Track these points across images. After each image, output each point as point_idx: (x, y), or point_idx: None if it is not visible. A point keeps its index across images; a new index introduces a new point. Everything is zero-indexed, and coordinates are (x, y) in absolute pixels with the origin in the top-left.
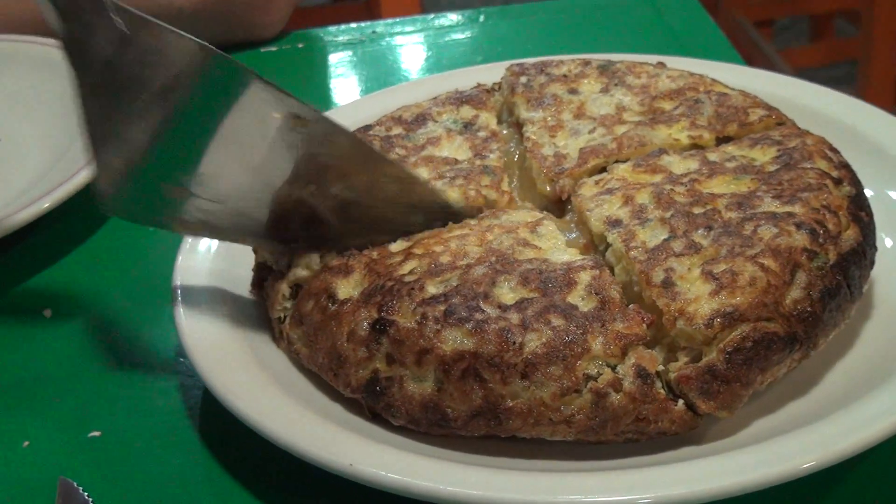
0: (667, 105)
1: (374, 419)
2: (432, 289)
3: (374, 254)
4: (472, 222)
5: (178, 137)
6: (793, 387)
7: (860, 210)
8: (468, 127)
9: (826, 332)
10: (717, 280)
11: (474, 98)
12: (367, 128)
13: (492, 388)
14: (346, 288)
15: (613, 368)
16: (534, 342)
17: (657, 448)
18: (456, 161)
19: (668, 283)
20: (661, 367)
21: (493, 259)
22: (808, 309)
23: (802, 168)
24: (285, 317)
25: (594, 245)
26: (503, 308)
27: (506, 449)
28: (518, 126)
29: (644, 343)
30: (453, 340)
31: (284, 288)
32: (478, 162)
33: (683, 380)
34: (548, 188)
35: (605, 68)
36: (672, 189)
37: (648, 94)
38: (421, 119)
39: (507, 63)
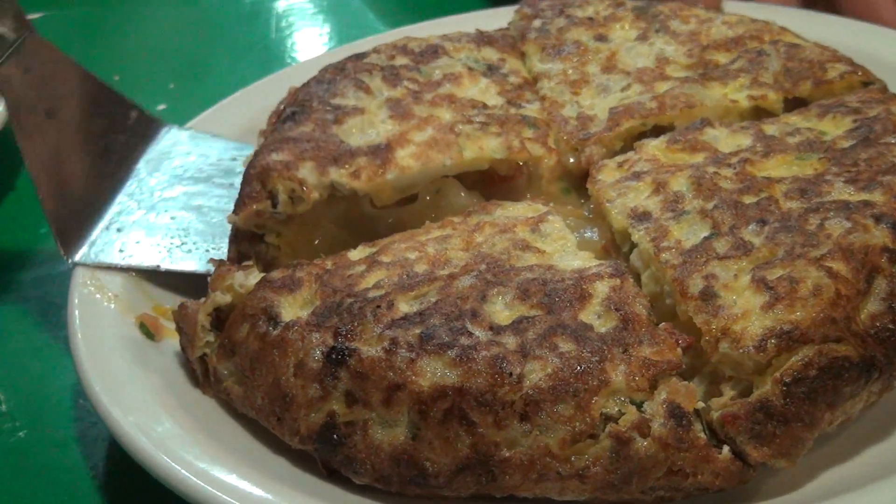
0: (722, 57)
1: (331, 476)
2: (404, 306)
3: (329, 263)
4: (457, 220)
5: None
6: (871, 427)
7: None
8: (493, 70)
9: None
10: (772, 290)
11: (499, 40)
12: (361, 56)
13: (482, 433)
14: (292, 307)
15: (639, 406)
16: (536, 373)
17: None
18: (485, 105)
19: (708, 295)
20: (700, 405)
21: (483, 267)
22: (891, 326)
23: (885, 144)
24: (211, 353)
25: (615, 245)
26: (496, 330)
27: None
28: (530, 82)
29: (679, 373)
30: (432, 373)
31: (202, 318)
32: (513, 110)
33: (729, 420)
34: (570, 159)
35: (643, 10)
36: (717, 172)
37: (698, 43)
38: (432, 51)
39: (514, 7)
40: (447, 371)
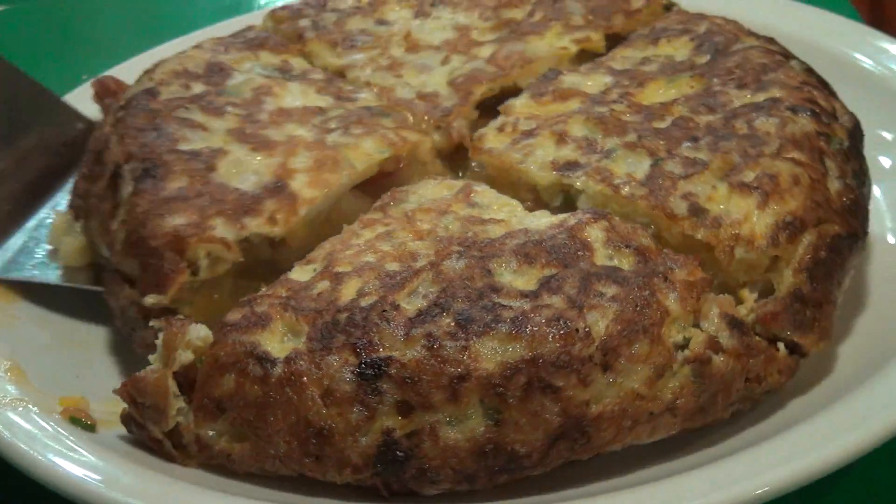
0: (517, 13)
1: (393, 498)
2: (408, 304)
3: (282, 290)
4: (375, 216)
5: None
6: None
7: (823, 82)
8: (288, 73)
9: (867, 225)
10: (757, 189)
11: (266, 41)
12: (152, 92)
13: (570, 396)
14: (274, 342)
15: (699, 328)
16: (601, 322)
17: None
18: (321, 109)
19: (697, 211)
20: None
21: (459, 248)
22: (853, 198)
23: (739, 50)
24: (184, 420)
25: (543, 202)
26: (529, 296)
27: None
28: (336, 76)
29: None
30: (493, 353)
31: (171, 384)
32: (350, 105)
33: (769, 318)
34: (437, 137)
35: None
36: (611, 110)
37: (483, 5)
38: (217, 69)
39: (255, 14)
40: (508, 347)
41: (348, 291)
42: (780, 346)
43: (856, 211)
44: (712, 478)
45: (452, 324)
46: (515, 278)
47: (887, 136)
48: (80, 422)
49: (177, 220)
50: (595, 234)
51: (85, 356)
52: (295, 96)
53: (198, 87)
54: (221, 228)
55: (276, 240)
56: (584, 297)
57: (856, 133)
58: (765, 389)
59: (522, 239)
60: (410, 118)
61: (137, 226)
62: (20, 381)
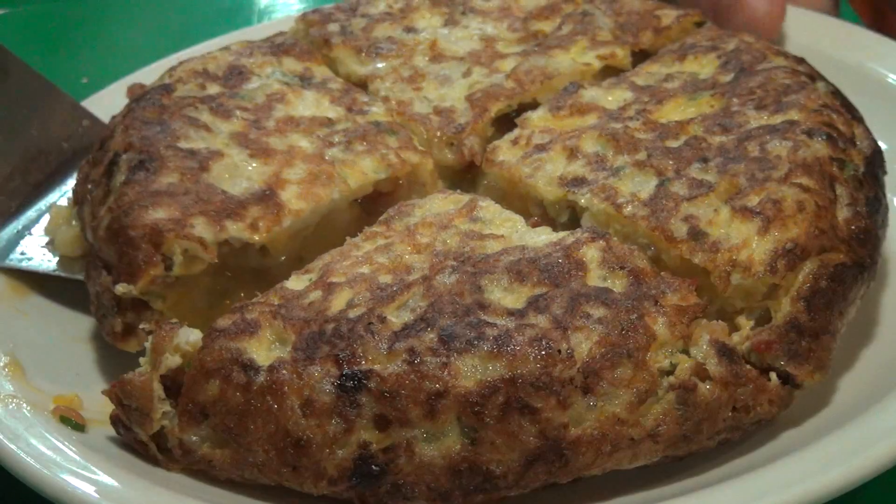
0: (546, 26)
1: None
2: (395, 318)
3: (275, 298)
4: (378, 229)
5: None
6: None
7: (849, 106)
8: (308, 81)
9: (879, 253)
10: (759, 214)
11: (294, 47)
12: (167, 88)
13: (548, 418)
14: (260, 350)
15: (687, 354)
16: (585, 344)
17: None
18: (329, 120)
19: (696, 234)
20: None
21: (454, 263)
22: (863, 226)
23: (765, 70)
24: (170, 424)
25: (548, 219)
26: (516, 314)
27: None
28: (354, 86)
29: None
30: (473, 371)
31: (157, 387)
32: (360, 119)
33: (763, 347)
34: (448, 154)
35: None
36: (625, 127)
37: (513, 16)
38: (237, 73)
39: (283, 17)
40: (489, 365)
41: (338, 302)
42: (773, 375)
43: (865, 240)
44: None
45: (436, 339)
46: (505, 296)
47: None
48: (70, 421)
49: (159, 214)
50: (591, 253)
51: (87, 354)
52: (307, 105)
53: (213, 89)
54: (201, 228)
55: (258, 247)
56: (571, 318)
57: (874, 159)
58: (754, 419)
59: (517, 256)
60: (415, 139)
61: (121, 214)
62: (17, 377)
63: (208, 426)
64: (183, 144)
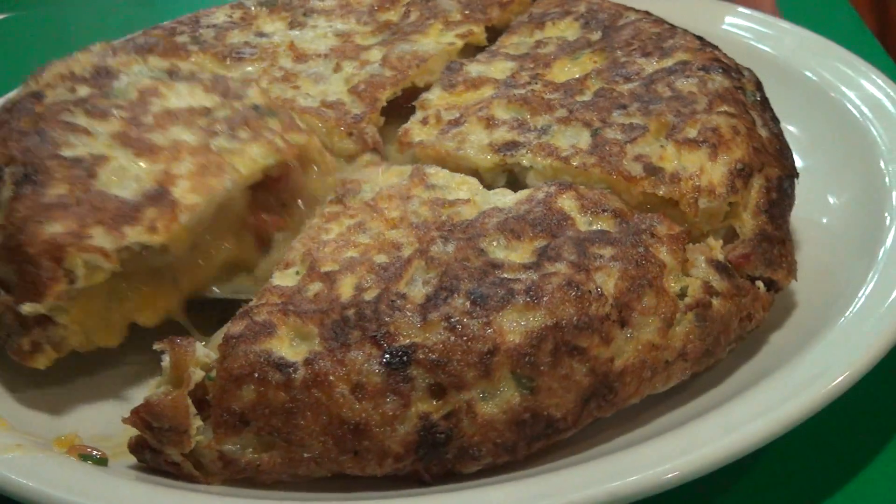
0: (392, 16)
1: (436, 481)
2: (416, 290)
3: (274, 297)
4: (335, 208)
5: None
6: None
7: (709, 42)
8: (175, 74)
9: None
10: (704, 142)
11: (158, 46)
12: (38, 95)
13: (595, 355)
14: (287, 347)
15: (691, 277)
16: (609, 281)
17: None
18: (207, 110)
19: (653, 170)
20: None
21: (438, 233)
22: (779, 143)
23: (628, 23)
24: (204, 438)
25: (486, 185)
26: (530, 267)
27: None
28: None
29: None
30: (516, 324)
31: (189, 404)
32: (237, 104)
33: (743, 260)
34: (352, 145)
35: (271, 3)
36: (530, 92)
37: (357, 10)
38: (105, 73)
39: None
40: (529, 316)
41: (346, 289)
42: (759, 284)
43: (786, 154)
44: (723, 422)
45: (467, 303)
46: (509, 253)
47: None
48: (92, 457)
49: (55, 228)
50: (569, 203)
51: (48, 398)
52: (181, 97)
53: (83, 90)
54: (100, 238)
55: (158, 247)
56: (586, 261)
57: (760, 85)
58: (754, 326)
59: (501, 217)
60: (296, 116)
61: (15, 231)
62: (6, 429)
63: (250, 432)
64: (66, 152)
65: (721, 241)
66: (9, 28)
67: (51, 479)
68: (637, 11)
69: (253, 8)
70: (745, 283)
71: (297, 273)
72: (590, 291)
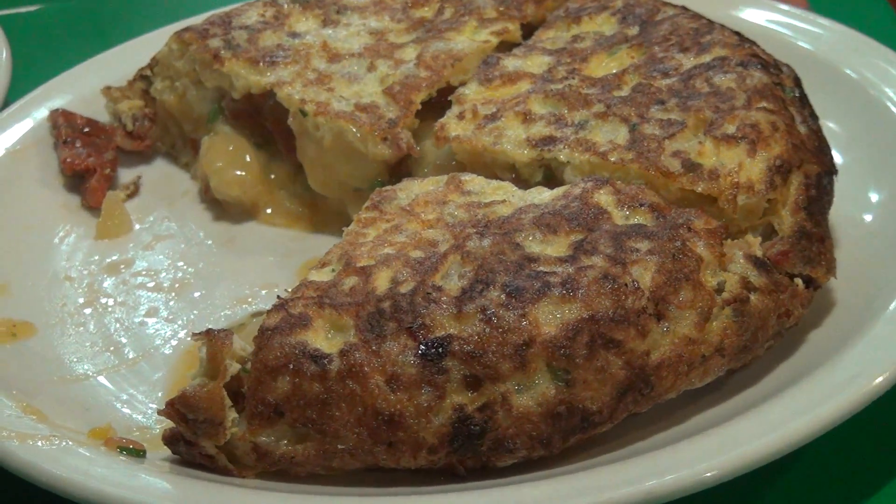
0: (426, 12)
1: (470, 474)
2: (452, 283)
3: (310, 291)
4: (372, 214)
5: None
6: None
7: (747, 38)
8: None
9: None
10: (743, 138)
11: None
12: None
13: (631, 348)
14: (322, 339)
15: (728, 272)
16: (646, 275)
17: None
18: None
19: (691, 166)
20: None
21: (474, 230)
22: (817, 139)
23: (666, 18)
24: (240, 430)
25: (523, 179)
26: (566, 260)
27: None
28: (248, 99)
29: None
30: (552, 317)
31: (224, 395)
32: None
33: (781, 257)
34: (387, 150)
35: (304, 1)
36: (568, 86)
37: (391, 7)
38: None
39: (146, 36)
40: (565, 308)
41: (382, 282)
42: (798, 280)
43: (824, 150)
44: (762, 421)
45: (503, 296)
46: (545, 247)
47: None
48: (131, 450)
49: None
50: (605, 198)
51: (85, 390)
52: None
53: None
54: None
55: None
56: (623, 254)
57: (799, 81)
58: (792, 323)
59: (537, 212)
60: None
61: None
62: (42, 420)
63: (284, 423)
64: None
65: (760, 238)
66: (41, 20)
67: (78, 468)
68: (674, 6)
69: (285, 5)
70: (783, 280)
71: (333, 271)
72: (626, 284)
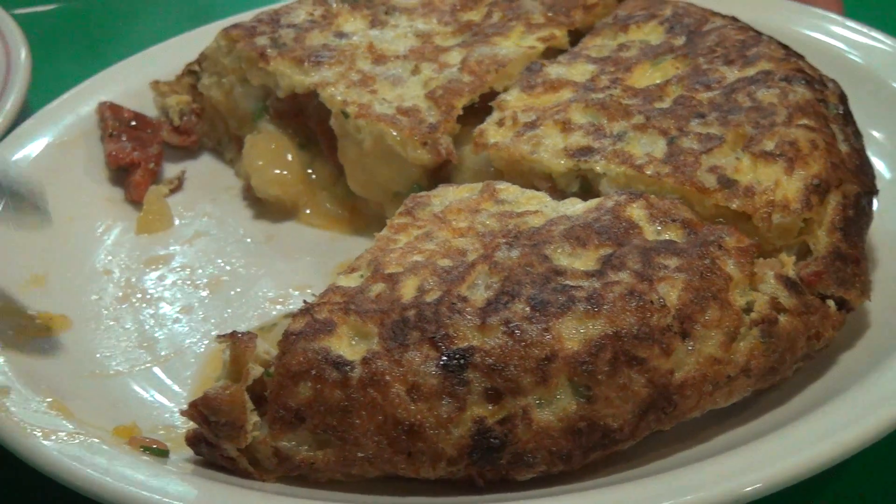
0: (474, 16)
1: (489, 486)
2: (475, 295)
3: (336, 297)
4: (405, 220)
5: None
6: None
7: (799, 54)
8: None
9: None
10: (781, 156)
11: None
12: None
13: (655, 366)
14: (346, 346)
15: (758, 292)
16: (672, 292)
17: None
18: None
19: (727, 182)
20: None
21: (504, 240)
22: (859, 158)
23: (713, 29)
24: (261, 434)
25: (559, 189)
26: (594, 275)
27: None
28: (293, 99)
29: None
30: (575, 332)
31: (247, 399)
32: None
33: (815, 278)
34: (426, 154)
35: (354, 0)
36: (609, 96)
37: (439, 9)
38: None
39: (196, 31)
40: (589, 324)
41: (408, 290)
42: (830, 302)
43: (866, 169)
44: (787, 443)
45: (528, 309)
46: (573, 260)
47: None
48: (154, 449)
49: None
50: (638, 212)
51: (114, 388)
52: None
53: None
54: None
55: None
56: (651, 271)
57: (844, 97)
58: (821, 346)
59: (568, 224)
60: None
61: None
62: (68, 416)
63: (305, 429)
64: None
65: (794, 258)
66: (56, 19)
67: (98, 466)
68: (724, 17)
69: (334, 4)
70: (814, 301)
71: (361, 276)
72: (652, 302)
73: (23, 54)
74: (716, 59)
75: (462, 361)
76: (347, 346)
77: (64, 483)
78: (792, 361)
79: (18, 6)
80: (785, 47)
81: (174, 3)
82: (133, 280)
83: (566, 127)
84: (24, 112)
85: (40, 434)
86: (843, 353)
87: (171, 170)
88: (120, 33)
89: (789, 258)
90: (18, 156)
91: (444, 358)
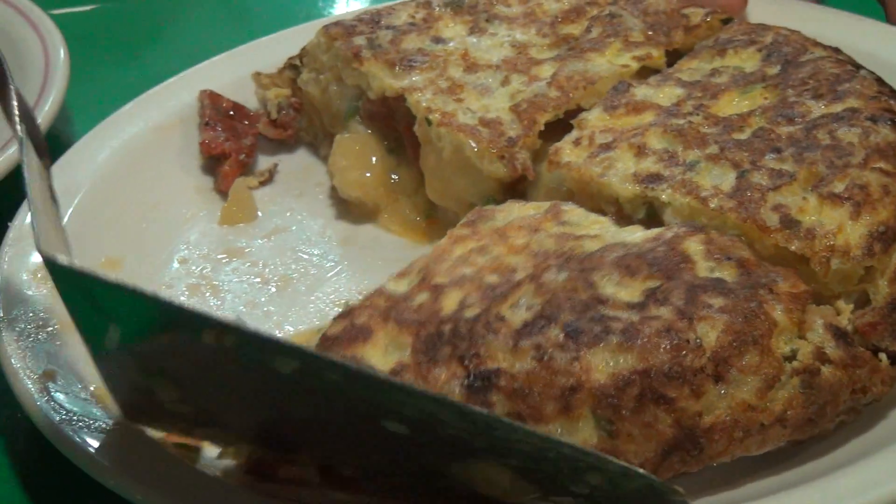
0: (574, 29)
1: None
2: (515, 315)
3: (380, 301)
4: (465, 231)
5: None
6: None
7: (893, 91)
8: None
9: None
10: (849, 199)
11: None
12: None
13: (683, 407)
14: (380, 354)
15: (804, 340)
16: (711, 333)
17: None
18: None
19: (790, 222)
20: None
21: (556, 262)
22: None
23: (810, 60)
24: None
25: (625, 214)
26: (636, 307)
27: None
28: (383, 101)
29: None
30: (605, 364)
31: None
32: None
33: (869, 329)
34: (502, 168)
35: (457, 5)
36: (688, 122)
37: (540, 21)
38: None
39: (309, 25)
40: (620, 358)
41: (450, 303)
42: (882, 356)
43: None
44: (822, 495)
45: (561, 335)
46: (619, 290)
47: None
48: (186, 445)
49: None
50: (694, 247)
51: None
52: None
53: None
54: None
55: None
56: (693, 309)
57: None
58: (868, 400)
59: (621, 252)
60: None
61: None
62: (102, 401)
63: None
64: None
65: (852, 306)
66: (95, 19)
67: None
68: (825, 48)
69: (437, 9)
70: (864, 354)
71: (409, 283)
72: (688, 341)
73: (62, 55)
74: (805, 92)
75: (486, 383)
76: (382, 354)
77: (89, 473)
78: (833, 414)
79: (57, 6)
80: (881, 83)
81: (214, 3)
82: (205, 271)
83: (640, 151)
84: (63, 114)
85: (77, 424)
86: (893, 409)
87: (265, 162)
88: (159, 34)
89: (847, 306)
90: (114, 137)
91: (470, 377)
